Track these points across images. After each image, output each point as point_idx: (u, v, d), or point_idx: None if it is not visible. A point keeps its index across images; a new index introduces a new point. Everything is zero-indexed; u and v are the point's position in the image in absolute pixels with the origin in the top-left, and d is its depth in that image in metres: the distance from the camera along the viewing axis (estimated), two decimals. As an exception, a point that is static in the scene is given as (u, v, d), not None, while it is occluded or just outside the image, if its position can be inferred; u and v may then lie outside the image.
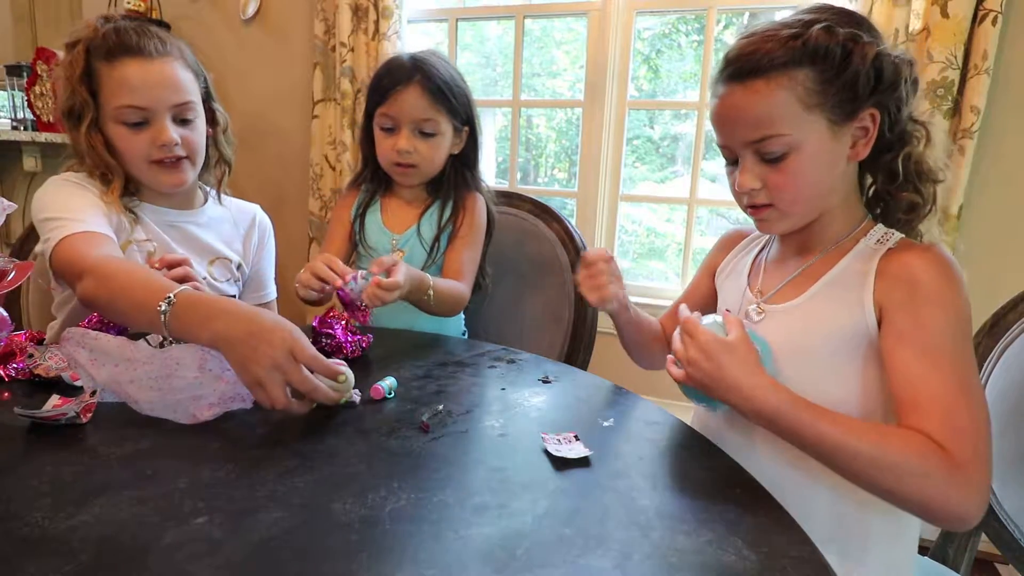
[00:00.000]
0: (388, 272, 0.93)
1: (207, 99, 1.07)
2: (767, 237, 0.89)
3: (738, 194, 0.77)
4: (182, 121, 1.01)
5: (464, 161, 1.18)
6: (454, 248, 1.16)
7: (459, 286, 1.11)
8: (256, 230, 1.20)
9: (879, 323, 0.70)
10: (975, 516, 0.61)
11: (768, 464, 0.73)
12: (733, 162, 0.77)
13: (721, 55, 0.75)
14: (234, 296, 1.12)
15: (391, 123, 1.10)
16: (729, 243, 0.95)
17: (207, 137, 1.08)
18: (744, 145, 0.74)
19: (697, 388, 0.71)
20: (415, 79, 1.07)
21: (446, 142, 1.13)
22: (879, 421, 0.71)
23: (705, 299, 0.94)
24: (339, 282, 0.91)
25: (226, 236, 1.15)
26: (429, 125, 1.09)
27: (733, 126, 0.74)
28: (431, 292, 1.02)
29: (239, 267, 1.15)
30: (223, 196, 1.17)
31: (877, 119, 0.71)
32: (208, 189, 1.15)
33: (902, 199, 0.75)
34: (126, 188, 1.02)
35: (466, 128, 1.15)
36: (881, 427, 0.66)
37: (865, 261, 0.73)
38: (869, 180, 0.78)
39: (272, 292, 1.26)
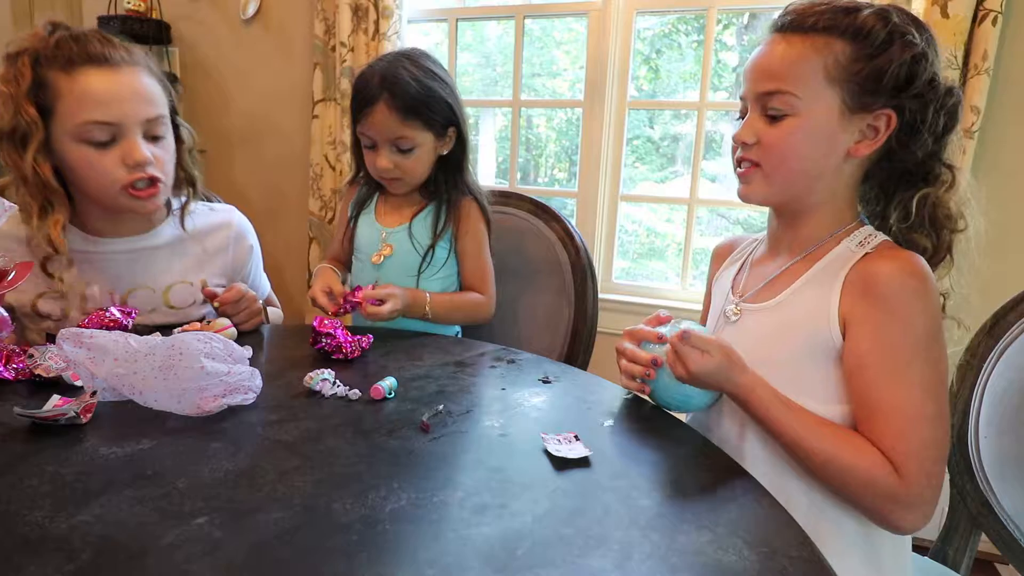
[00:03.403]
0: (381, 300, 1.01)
1: (173, 115, 0.98)
2: (755, 244, 0.88)
3: (734, 147, 0.78)
4: (152, 138, 0.92)
5: (453, 163, 1.15)
6: (465, 261, 1.16)
7: (471, 296, 1.15)
8: (231, 248, 1.10)
9: (844, 334, 0.71)
10: (914, 530, 0.67)
11: (753, 456, 0.75)
12: (743, 117, 0.77)
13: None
14: (202, 318, 1.02)
15: (369, 141, 1.09)
16: (720, 255, 0.95)
17: (180, 152, 1.00)
18: (756, 97, 0.74)
19: (702, 383, 0.72)
20: (382, 98, 1.03)
21: (427, 151, 1.10)
22: (842, 424, 0.71)
23: None
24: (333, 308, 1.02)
25: (189, 258, 1.05)
26: (404, 142, 1.07)
27: (756, 73, 0.74)
28: (428, 310, 1.08)
29: (204, 287, 1.06)
30: (195, 212, 1.06)
31: (892, 124, 0.70)
32: (175, 209, 1.05)
33: (912, 241, 0.74)
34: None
35: (452, 128, 1.12)
36: (841, 433, 0.68)
37: (839, 267, 0.73)
38: (894, 216, 0.76)
39: (263, 290, 1.21)
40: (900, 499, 0.64)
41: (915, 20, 0.71)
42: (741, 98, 0.77)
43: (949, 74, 1.43)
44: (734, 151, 0.78)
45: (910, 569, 0.77)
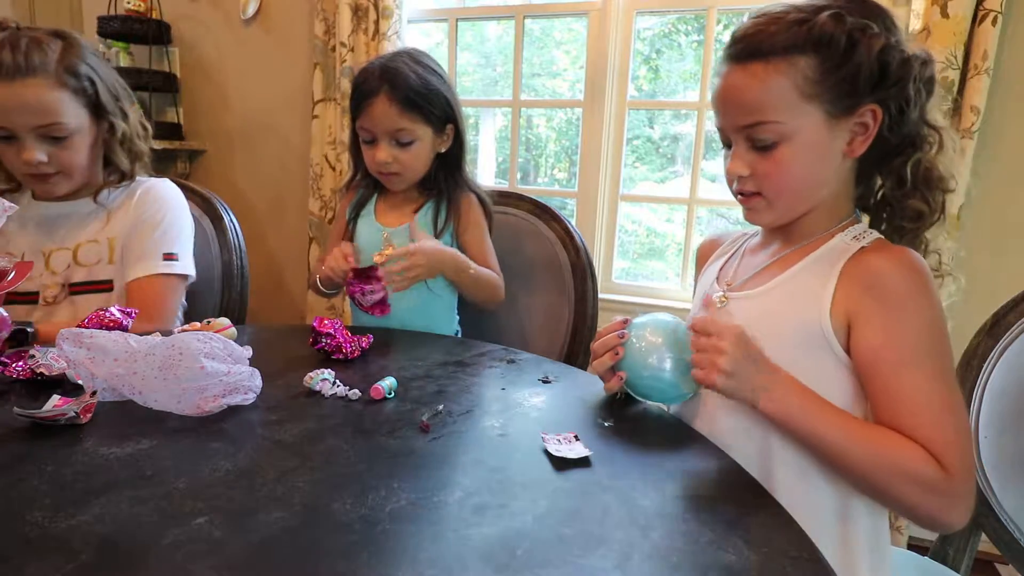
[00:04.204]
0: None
1: (101, 112, 1.06)
2: (743, 241, 0.88)
3: (729, 179, 0.77)
4: (53, 139, 1.01)
5: (451, 160, 1.17)
6: (471, 250, 1.17)
7: (491, 273, 1.16)
8: (135, 204, 1.13)
9: (847, 330, 0.70)
10: (960, 525, 0.65)
11: (745, 452, 0.73)
12: (728, 146, 0.76)
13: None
14: (111, 280, 1.10)
15: (369, 135, 1.10)
16: (704, 253, 0.94)
17: (110, 143, 1.09)
18: (737, 130, 0.72)
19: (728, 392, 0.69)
20: (382, 90, 1.06)
21: (426, 146, 1.12)
22: None
23: None
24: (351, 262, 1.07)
25: (100, 220, 1.12)
26: (404, 135, 1.08)
27: (728, 108, 0.72)
28: (472, 269, 1.10)
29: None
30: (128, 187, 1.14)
31: (879, 116, 0.69)
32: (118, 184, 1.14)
33: (908, 206, 0.73)
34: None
35: (450, 125, 1.14)
36: (878, 431, 0.66)
37: (834, 259, 0.72)
38: (879, 183, 0.76)
39: (152, 266, 1.11)
40: (946, 492, 0.63)
41: (866, 7, 0.69)
42: (719, 128, 0.76)
43: (949, 74, 1.44)
44: (730, 183, 0.77)
45: (888, 550, 0.76)
